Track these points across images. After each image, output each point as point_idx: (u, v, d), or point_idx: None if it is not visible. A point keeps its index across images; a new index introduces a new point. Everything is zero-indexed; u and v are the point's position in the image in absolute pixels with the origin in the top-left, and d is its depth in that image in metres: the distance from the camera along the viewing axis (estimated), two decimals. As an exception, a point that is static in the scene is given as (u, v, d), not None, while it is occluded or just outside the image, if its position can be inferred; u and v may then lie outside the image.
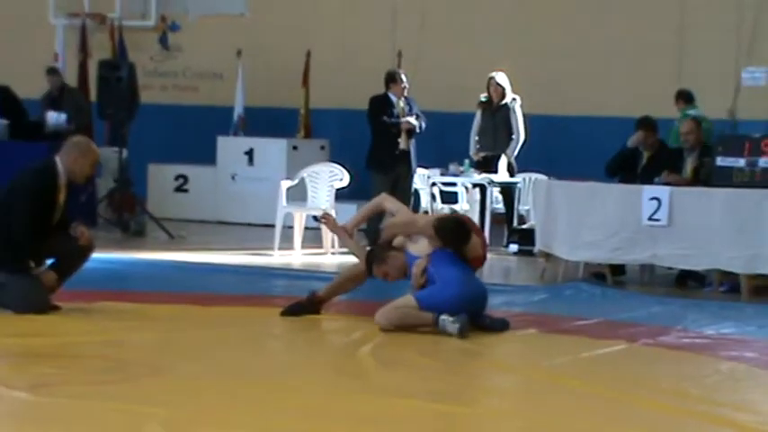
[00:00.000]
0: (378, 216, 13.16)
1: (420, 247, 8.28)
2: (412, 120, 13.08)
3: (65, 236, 8.27)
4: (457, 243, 8.19)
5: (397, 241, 8.46)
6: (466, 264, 8.22)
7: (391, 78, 13.32)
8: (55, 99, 14.80)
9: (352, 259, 8.93)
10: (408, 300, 8.01)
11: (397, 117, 13.16)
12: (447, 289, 7.98)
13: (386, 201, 8.93)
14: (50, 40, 16.84)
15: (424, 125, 13.23)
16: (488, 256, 8.76)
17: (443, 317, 7.82)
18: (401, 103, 13.20)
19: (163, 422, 5.30)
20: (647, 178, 11.09)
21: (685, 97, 13.69)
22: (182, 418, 5.45)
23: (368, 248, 8.79)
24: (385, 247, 8.47)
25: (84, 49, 16.23)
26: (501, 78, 13.86)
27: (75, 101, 14.71)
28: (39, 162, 8.55)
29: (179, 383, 6.30)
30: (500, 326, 8.14)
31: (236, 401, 5.91)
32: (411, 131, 13.14)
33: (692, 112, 13.34)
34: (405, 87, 13.21)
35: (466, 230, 8.24)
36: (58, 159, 8.33)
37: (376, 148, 13.27)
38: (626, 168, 11.54)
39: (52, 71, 15.11)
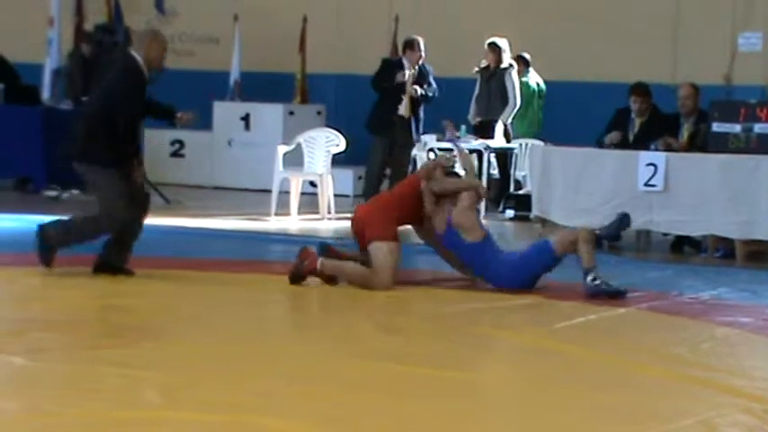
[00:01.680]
0: (378, 176, 13.10)
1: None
2: (417, 88, 12.92)
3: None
4: None
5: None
6: None
7: (409, 45, 13.20)
8: (88, 64, 14.45)
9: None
10: None
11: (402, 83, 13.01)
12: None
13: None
14: (45, 4, 16.74)
15: (432, 95, 13.06)
16: (483, 222, 9.11)
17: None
18: (413, 71, 13.01)
19: (159, 386, 5.31)
20: (641, 144, 11.07)
21: (525, 62, 13.93)
22: (178, 382, 5.46)
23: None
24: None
25: (79, 12, 16.11)
26: (498, 44, 13.82)
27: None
28: (121, 62, 8.44)
29: (176, 348, 6.31)
30: None
31: (232, 366, 5.93)
32: (415, 100, 13.02)
33: (525, 78, 14.15)
34: (421, 56, 13.07)
35: None
36: (134, 53, 8.29)
37: (375, 110, 13.17)
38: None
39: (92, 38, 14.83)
